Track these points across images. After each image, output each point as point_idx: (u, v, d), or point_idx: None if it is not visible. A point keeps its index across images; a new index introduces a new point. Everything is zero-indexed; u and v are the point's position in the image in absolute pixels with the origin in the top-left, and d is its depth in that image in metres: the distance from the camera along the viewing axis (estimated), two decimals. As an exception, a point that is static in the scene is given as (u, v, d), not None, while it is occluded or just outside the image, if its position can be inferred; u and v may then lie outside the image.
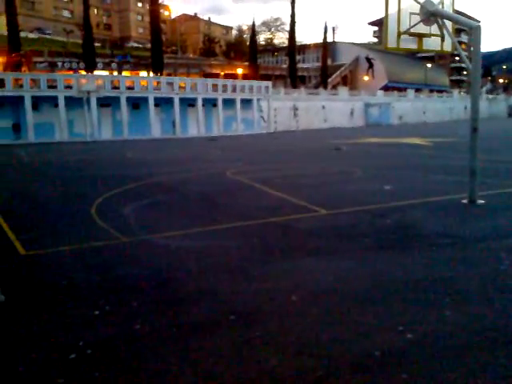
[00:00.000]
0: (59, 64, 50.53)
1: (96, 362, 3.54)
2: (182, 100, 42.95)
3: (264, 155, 22.92)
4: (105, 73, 49.11)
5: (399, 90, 73.63)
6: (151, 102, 41.29)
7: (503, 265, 5.50)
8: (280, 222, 8.15)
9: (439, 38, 9.61)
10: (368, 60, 79.22)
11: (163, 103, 42.32)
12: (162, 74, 48.99)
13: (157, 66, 49.84)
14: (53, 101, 36.44)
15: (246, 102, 47.59)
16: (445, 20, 9.30)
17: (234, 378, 3.28)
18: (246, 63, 66.53)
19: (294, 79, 65.91)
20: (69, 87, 37.27)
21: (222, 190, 11.85)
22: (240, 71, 64.89)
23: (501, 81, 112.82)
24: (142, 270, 5.79)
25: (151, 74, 50.24)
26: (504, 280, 5.04)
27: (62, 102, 36.46)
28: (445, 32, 9.45)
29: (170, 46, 78.53)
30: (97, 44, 57.09)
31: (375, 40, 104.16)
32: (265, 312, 4.39)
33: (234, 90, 46.86)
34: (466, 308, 4.33)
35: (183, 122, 43.44)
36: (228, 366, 3.44)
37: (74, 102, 36.56)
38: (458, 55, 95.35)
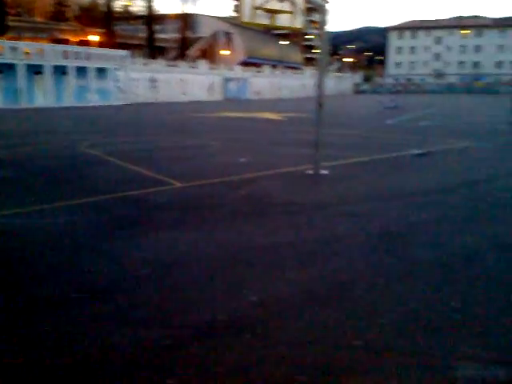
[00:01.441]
0: None
1: None
2: (28, 67, 39.43)
3: (121, 128, 22.10)
4: None
5: (256, 65, 75.57)
6: (-9, 67, 37.29)
7: (340, 228, 6.01)
8: (133, 196, 7.97)
9: (291, 16, 9.99)
10: (227, 34, 79.84)
11: (6, 70, 38.47)
12: (4, 38, 44.33)
13: (-3, 28, 44.93)
14: None
15: (102, 72, 45.28)
16: (295, -2, 9.67)
17: (78, 354, 3.17)
18: (101, 30, 62.99)
19: (153, 50, 64.19)
20: None
21: (73, 164, 11.22)
22: (95, 38, 61.24)
23: (348, 60, 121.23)
24: (-23, 251, 5.29)
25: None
26: (339, 241, 5.52)
27: None
28: (296, 10, 9.84)
29: (14, 8, 71.05)
30: None
31: (235, 14, 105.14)
32: (114, 287, 4.29)
33: (87, 57, 44.20)
34: (307, 269, 4.66)
35: (29, 91, 39.98)
36: (72, 342, 3.32)
37: None
38: (308, 34, 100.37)
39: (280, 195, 7.97)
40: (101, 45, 55.28)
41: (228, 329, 3.52)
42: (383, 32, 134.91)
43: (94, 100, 44.12)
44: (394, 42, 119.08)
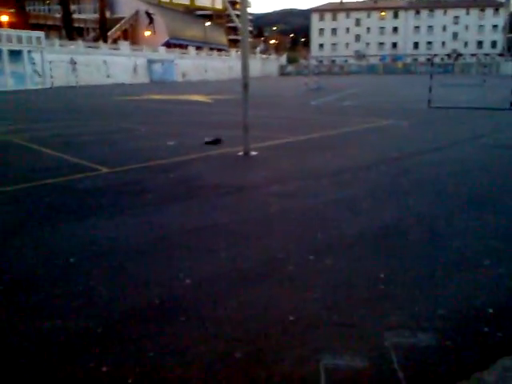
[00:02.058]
0: None
1: None
2: None
3: (39, 113, 21.04)
4: None
5: (181, 46, 74.26)
6: None
7: (271, 208, 6.12)
8: (58, 182, 7.66)
9: (212, -4, 9.91)
10: (148, 15, 77.66)
11: None
12: None
13: None
14: None
15: (16, 54, 42.71)
16: (215, -23, 9.58)
17: (11, 345, 3.06)
18: (12, 10, 59.12)
19: (70, 31, 61.28)
20: None
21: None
22: (5, 19, 57.41)
23: (272, 41, 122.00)
24: None
25: None
26: (271, 221, 5.62)
27: None
28: (216, -11, 9.77)
29: None
30: None
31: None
32: (41, 277, 4.14)
33: (-2, 39, 41.51)
34: (239, 250, 4.72)
35: None
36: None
37: None
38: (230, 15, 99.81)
39: (210, 177, 7.96)
40: (12, 25, 51.95)
41: (163, 312, 3.51)
42: (306, 14, 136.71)
43: (8, 84, 41.61)
44: (315, 23, 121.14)
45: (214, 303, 3.62)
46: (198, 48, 78.26)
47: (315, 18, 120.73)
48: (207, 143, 11.14)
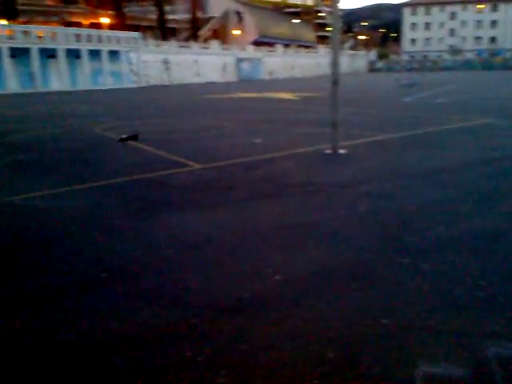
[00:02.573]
0: None
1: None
2: (41, 51, 39.52)
3: (135, 110, 22.15)
4: None
5: (268, 44, 74.83)
6: (5, 52, 37.43)
7: (360, 207, 6.00)
8: (153, 177, 8.03)
9: (303, -7, 9.87)
10: (238, 14, 79.03)
11: (20, 54, 38.60)
12: (16, 22, 44.42)
13: (9, 13, 45.01)
14: None
15: (114, 54, 45.26)
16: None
17: (111, 333, 3.25)
18: (112, 12, 62.70)
19: (164, 31, 63.83)
20: None
21: (91, 147, 11.31)
22: (105, 21, 61.06)
23: (362, 37, 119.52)
24: (6, 233, 5.39)
25: (4, 21, 45.29)
26: (361, 221, 5.51)
27: None
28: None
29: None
30: None
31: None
32: (140, 267, 4.35)
33: (99, 40, 44.13)
34: (328, 249, 4.67)
35: (44, 74, 40.14)
36: (105, 321, 3.39)
37: None
38: (320, 11, 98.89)
39: (298, 175, 7.95)
40: (111, 27, 55.14)
41: (254, 307, 3.56)
42: (397, 8, 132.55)
43: (107, 83, 44.17)
44: (408, 18, 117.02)
45: (304, 301, 3.62)
46: (286, 45, 78.47)
47: (407, 12, 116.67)
48: (122, 140, 11.46)
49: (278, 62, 71.12)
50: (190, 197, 6.80)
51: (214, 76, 58.35)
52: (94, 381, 2.78)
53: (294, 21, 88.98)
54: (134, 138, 11.71)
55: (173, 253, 4.65)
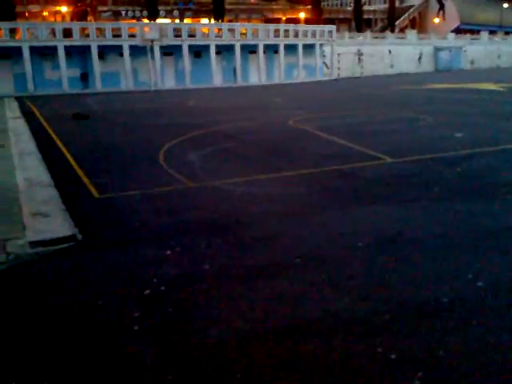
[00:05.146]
0: (123, 13, 50.95)
1: (169, 298, 3.73)
2: (243, 47, 42.44)
3: (327, 103, 22.45)
4: (167, 21, 49.07)
5: (472, 32, 69.04)
6: (213, 49, 41.10)
7: None
8: (344, 169, 8.05)
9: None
10: (439, 1, 74.31)
11: (224, 51, 42.02)
12: (223, 21, 48.39)
13: (218, 13, 49.23)
14: (118, 50, 37.05)
15: (309, 48, 46.35)
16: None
17: (299, 318, 3.37)
18: (309, 7, 64.21)
19: (359, 22, 63.25)
20: (132, 36, 37.65)
21: (284, 139, 11.79)
22: (302, 15, 62.80)
23: None
24: (209, 213, 5.95)
25: (212, 20, 49.74)
26: None
27: (126, 51, 37.02)
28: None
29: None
30: (159, -9, 56.81)
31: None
32: (330, 257, 4.43)
33: (296, 35, 45.64)
34: (542, 258, 4.16)
35: (244, 69, 43.07)
36: (294, 306, 3.53)
37: (138, 51, 37.01)
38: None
39: (504, 175, 7.22)
40: (308, 21, 56.56)
41: (450, 312, 3.35)
42: None
43: (301, 76, 45.52)
44: None
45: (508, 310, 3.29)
46: (492, 32, 71.45)
47: None
48: (75, 117, 12.93)
49: (481, 50, 65.20)
50: (380, 191, 6.65)
51: (409, 67, 55.96)
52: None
53: (504, 5, 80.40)
54: (85, 117, 13.76)
55: (362, 246, 4.62)
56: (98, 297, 3.80)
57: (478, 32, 69.43)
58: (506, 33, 75.83)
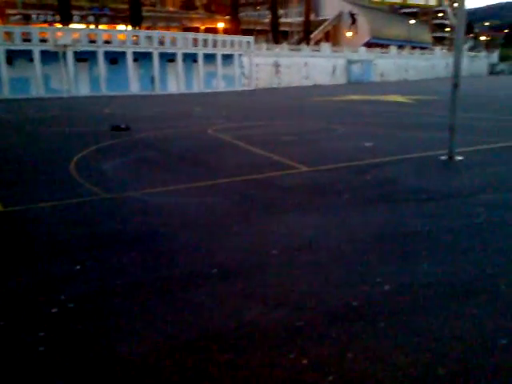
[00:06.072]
0: (34, 16, 48.67)
1: (78, 316, 3.58)
2: (161, 55, 42.01)
3: (246, 113, 22.72)
4: (81, 26, 47.46)
5: (382, 46, 72.95)
6: (129, 56, 40.30)
7: (478, 219, 5.63)
8: (261, 179, 8.17)
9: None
10: (351, 15, 77.91)
11: (142, 58, 41.36)
12: (140, 28, 47.60)
13: (135, 20, 48.37)
14: (28, 55, 35.30)
15: (227, 58, 46.80)
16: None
17: (215, 329, 3.35)
18: (227, 17, 64.87)
19: (277, 34, 64.73)
20: (44, 41, 36.05)
21: (203, 148, 11.78)
22: (221, 25, 63.32)
23: (482, 38, 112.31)
24: (123, 225, 5.79)
25: (129, 27, 48.77)
26: (478, 233, 5.17)
27: (37, 57, 35.37)
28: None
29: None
30: (72, -5, 54.83)
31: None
32: (246, 266, 4.45)
33: (214, 44, 45.90)
34: (442, 261, 4.44)
35: (162, 78, 42.63)
36: (209, 317, 3.50)
37: (49, 57, 35.46)
38: (441, 11, 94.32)
39: (409, 181, 7.66)
40: (226, 31, 57.07)
41: (360, 315, 3.48)
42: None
43: (220, 86, 45.78)
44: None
45: (415, 313, 3.47)
46: (400, 47, 75.96)
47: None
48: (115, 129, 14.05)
49: (391, 64, 69.07)
50: (295, 199, 6.81)
51: (323, 79, 58.08)
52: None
53: (411, 21, 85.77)
54: (126, 129, 14.37)
55: (277, 254, 4.69)
56: None
57: (388, 46, 73.45)
58: (413, 47, 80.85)
